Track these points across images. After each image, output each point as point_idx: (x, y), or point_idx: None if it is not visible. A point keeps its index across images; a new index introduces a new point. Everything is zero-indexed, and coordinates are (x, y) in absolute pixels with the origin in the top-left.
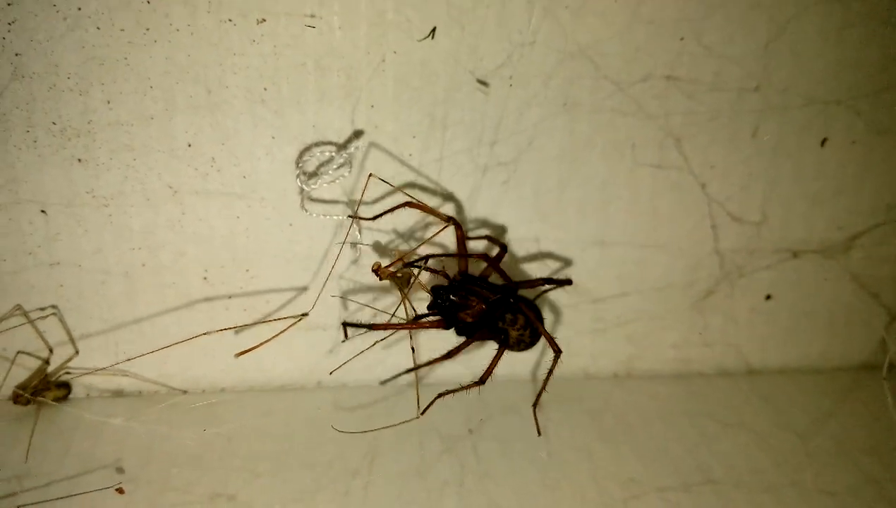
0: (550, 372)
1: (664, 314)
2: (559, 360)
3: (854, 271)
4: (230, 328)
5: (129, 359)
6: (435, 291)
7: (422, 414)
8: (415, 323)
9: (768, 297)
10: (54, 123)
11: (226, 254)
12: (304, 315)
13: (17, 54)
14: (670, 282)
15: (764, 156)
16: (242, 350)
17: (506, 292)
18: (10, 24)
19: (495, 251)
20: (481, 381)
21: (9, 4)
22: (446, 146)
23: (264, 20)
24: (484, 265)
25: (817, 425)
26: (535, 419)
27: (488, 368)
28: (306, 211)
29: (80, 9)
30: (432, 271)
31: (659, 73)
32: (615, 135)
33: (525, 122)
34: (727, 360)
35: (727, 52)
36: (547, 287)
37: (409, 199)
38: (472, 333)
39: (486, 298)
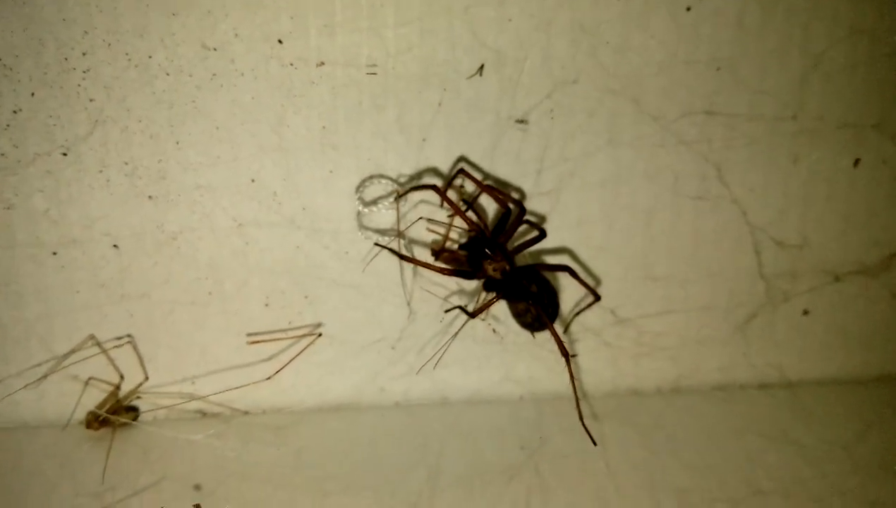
0: (571, 377)
1: (708, 338)
2: (572, 362)
3: (893, 289)
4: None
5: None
6: (471, 239)
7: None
8: (440, 263)
9: (805, 313)
10: (126, 163)
11: (286, 281)
12: (319, 335)
13: (91, 100)
14: (714, 307)
15: (801, 180)
16: (256, 339)
17: (533, 274)
18: (84, 72)
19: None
20: (472, 315)
21: (83, 54)
22: (494, 174)
23: (323, 63)
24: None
25: (860, 436)
26: (587, 430)
27: (482, 306)
28: (362, 234)
29: (150, 57)
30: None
31: (698, 106)
32: (657, 167)
33: (568, 154)
34: (769, 377)
35: (762, 85)
36: (582, 306)
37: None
38: (491, 288)
39: (511, 261)
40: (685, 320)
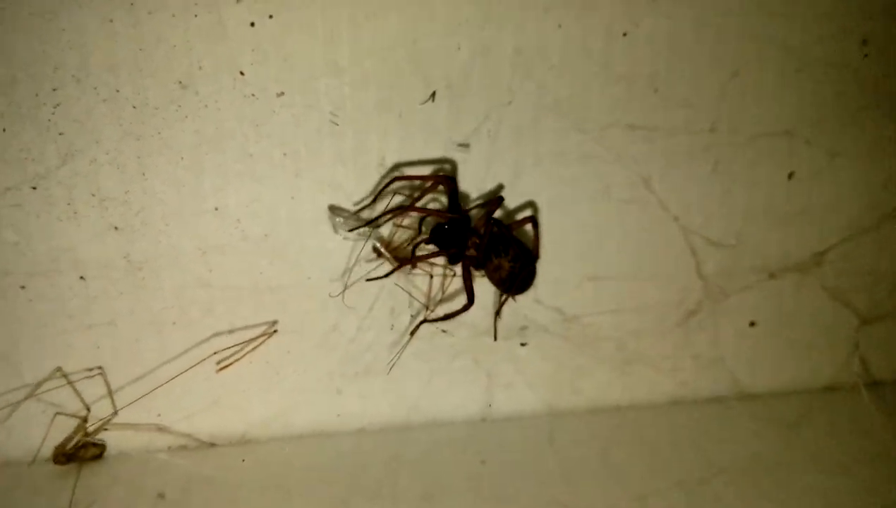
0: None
1: (652, 345)
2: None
3: (827, 285)
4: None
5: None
6: (435, 230)
7: (410, 334)
8: (417, 258)
9: (752, 324)
10: (93, 195)
11: (251, 308)
12: (275, 331)
13: (60, 133)
14: (659, 310)
15: (730, 185)
16: (224, 364)
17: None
18: (55, 106)
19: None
20: (469, 302)
21: (54, 90)
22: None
23: (283, 93)
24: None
25: (803, 419)
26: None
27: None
28: (342, 236)
29: (118, 91)
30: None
31: (633, 121)
32: (595, 179)
33: (512, 170)
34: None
35: (691, 98)
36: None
37: (396, 174)
38: (477, 264)
39: (478, 232)
40: (631, 322)
